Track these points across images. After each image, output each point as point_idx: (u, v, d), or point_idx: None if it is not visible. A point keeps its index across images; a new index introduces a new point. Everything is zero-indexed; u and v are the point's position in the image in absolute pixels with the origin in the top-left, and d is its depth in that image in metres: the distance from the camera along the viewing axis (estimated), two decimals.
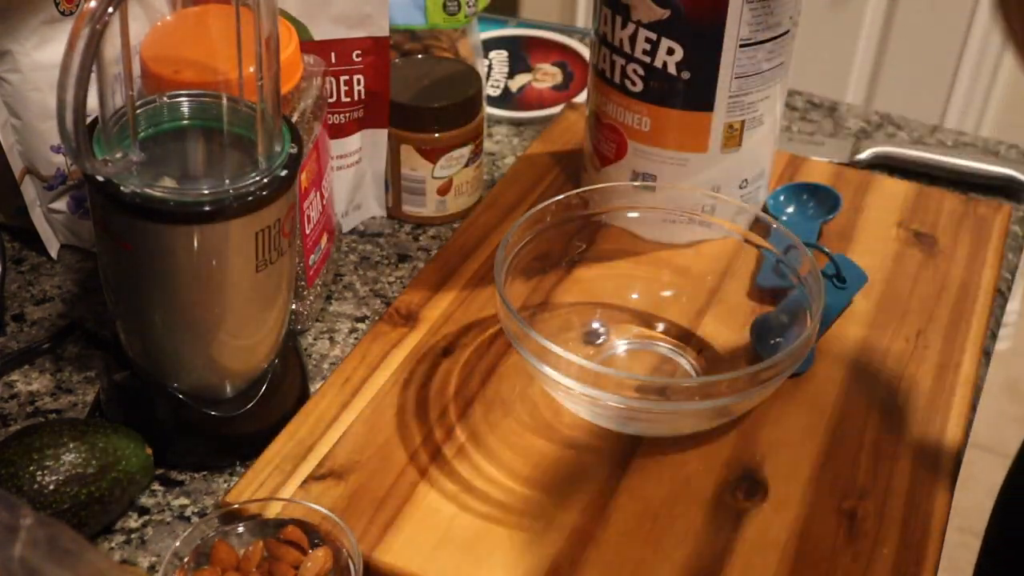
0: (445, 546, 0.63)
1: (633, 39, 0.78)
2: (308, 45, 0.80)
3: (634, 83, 0.80)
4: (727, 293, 0.79)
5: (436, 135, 0.86)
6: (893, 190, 0.93)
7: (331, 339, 0.79)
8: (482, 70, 0.94)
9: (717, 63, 0.77)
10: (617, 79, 0.80)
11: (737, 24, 0.75)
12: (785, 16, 0.77)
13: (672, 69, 0.78)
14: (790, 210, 0.89)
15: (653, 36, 0.77)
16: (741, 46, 0.76)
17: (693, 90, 0.78)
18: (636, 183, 0.81)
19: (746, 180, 0.84)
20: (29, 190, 0.82)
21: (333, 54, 0.81)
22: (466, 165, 0.88)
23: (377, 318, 0.80)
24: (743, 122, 0.80)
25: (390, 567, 0.62)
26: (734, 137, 0.81)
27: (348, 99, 0.83)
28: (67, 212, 0.84)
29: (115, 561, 0.63)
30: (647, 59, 0.78)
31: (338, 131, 0.84)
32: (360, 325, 0.80)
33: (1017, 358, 2.13)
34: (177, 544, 0.61)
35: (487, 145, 0.98)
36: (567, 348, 0.64)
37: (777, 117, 0.83)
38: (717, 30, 0.76)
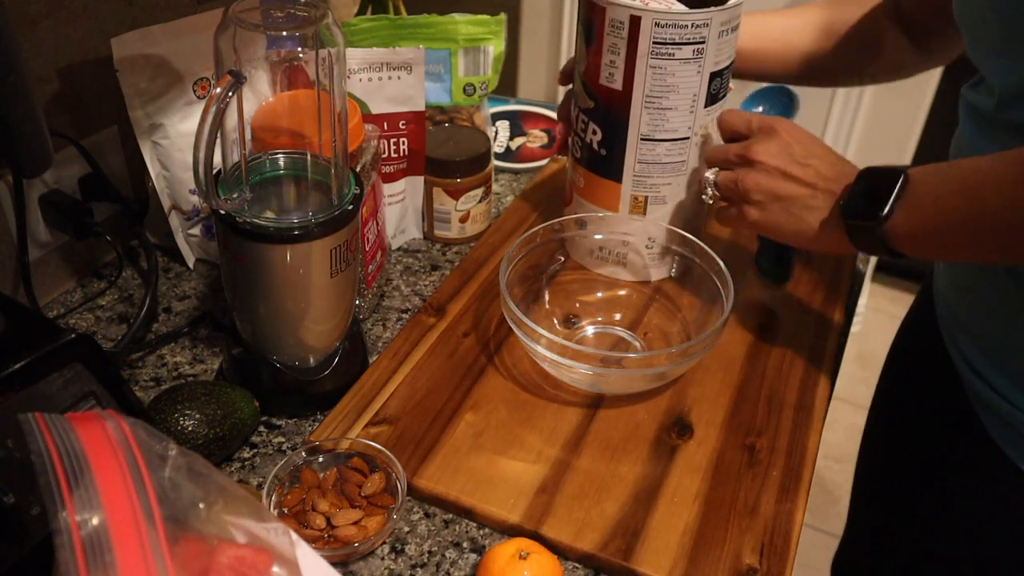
0: (463, 473, 0.63)
1: (576, 119, 0.77)
2: (368, 117, 0.80)
3: (577, 152, 0.79)
4: (665, 293, 0.79)
5: (458, 180, 0.85)
6: None
7: (384, 325, 0.79)
8: (491, 134, 0.93)
9: (624, 148, 0.74)
10: (570, 147, 0.79)
11: (638, 122, 0.72)
12: (682, 126, 0.72)
13: (595, 145, 0.76)
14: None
15: (585, 119, 0.76)
16: (642, 139, 0.73)
17: (608, 164, 0.75)
18: (601, 214, 0.79)
19: (652, 240, 0.77)
20: (174, 220, 0.82)
21: (385, 123, 0.81)
22: (479, 201, 0.88)
23: (416, 310, 0.79)
24: (647, 197, 0.76)
25: (425, 487, 0.62)
26: (639, 206, 0.76)
27: (396, 155, 0.83)
28: (200, 236, 0.84)
29: (233, 481, 0.63)
30: (583, 135, 0.77)
31: (388, 177, 0.83)
32: (404, 315, 0.80)
33: (864, 337, 2.13)
34: (276, 469, 0.61)
35: (494, 187, 0.98)
36: (551, 332, 0.64)
37: (686, 202, 0.77)
38: (623, 123, 0.73)
